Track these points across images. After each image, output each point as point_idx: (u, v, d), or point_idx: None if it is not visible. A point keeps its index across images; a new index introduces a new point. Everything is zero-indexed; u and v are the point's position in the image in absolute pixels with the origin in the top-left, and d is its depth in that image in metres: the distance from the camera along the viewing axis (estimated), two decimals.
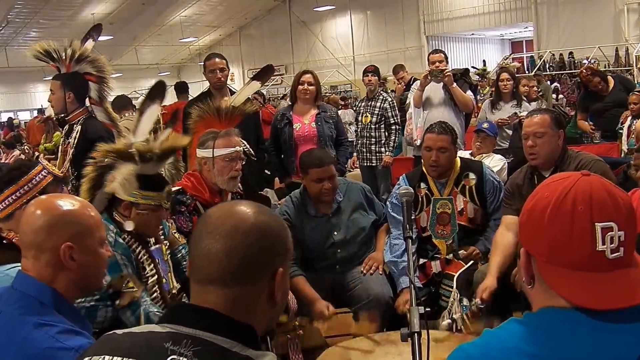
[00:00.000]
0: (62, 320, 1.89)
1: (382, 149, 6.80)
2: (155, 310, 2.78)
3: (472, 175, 4.00)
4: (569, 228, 1.29)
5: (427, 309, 2.04)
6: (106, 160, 2.91)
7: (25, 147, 11.85)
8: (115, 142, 3.19)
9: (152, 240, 3.09)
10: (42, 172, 2.79)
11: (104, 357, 1.39)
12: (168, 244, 3.23)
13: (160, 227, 3.17)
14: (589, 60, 16.57)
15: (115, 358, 1.37)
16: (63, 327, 1.85)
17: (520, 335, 1.31)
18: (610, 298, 1.27)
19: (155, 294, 2.98)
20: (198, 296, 1.43)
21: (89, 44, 4.42)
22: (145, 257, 2.97)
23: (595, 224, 1.28)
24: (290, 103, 5.85)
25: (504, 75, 6.85)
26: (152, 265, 2.99)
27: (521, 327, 1.33)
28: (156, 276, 3.00)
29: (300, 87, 5.57)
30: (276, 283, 1.44)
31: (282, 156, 5.68)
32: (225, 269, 1.39)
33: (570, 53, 17.92)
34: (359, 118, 7.01)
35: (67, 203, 2.02)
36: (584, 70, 7.42)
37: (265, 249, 1.43)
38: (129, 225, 2.90)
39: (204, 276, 1.41)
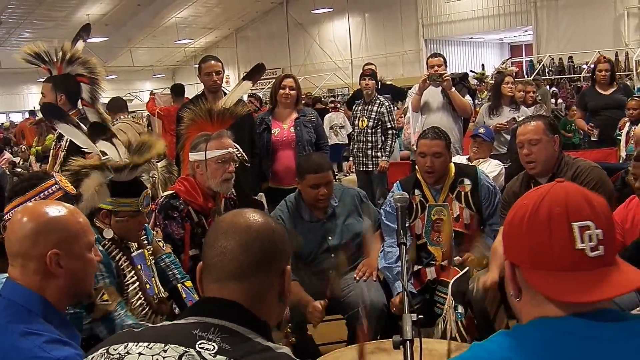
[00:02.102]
0: (50, 329, 1.88)
1: (379, 154, 6.76)
2: (131, 322, 2.71)
3: (467, 181, 3.95)
4: (547, 230, 1.32)
5: (420, 316, 1.99)
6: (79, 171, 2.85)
7: (23, 146, 11.77)
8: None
9: (135, 245, 3.05)
10: (53, 187, 2.68)
11: (126, 344, 1.46)
12: (152, 249, 3.19)
13: (144, 233, 3.13)
14: (588, 65, 16.58)
15: (140, 344, 1.44)
16: (50, 337, 1.84)
17: (510, 347, 1.32)
18: (596, 290, 1.29)
19: (139, 301, 2.92)
20: (217, 293, 1.53)
21: (80, 44, 4.38)
22: (126, 264, 2.92)
23: (572, 223, 1.31)
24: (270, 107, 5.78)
25: (509, 78, 6.79)
26: (132, 272, 2.94)
27: (510, 338, 1.34)
28: (138, 283, 2.94)
29: (281, 91, 5.49)
30: (285, 279, 1.58)
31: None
32: (243, 263, 1.51)
33: (570, 57, 17.94)
34: (356, 122, 6.97)
35: (53, 210, 2.00)
36: (602, 57, 7.44)
37: (277, 245, 1.57)
38: (109, 233, 2.87)
39: (222, 274, 1.52)
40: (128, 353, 1.43)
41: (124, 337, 1.50)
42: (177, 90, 9.48)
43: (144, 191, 2.97)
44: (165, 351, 1.41)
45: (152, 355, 1.41)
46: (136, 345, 1.44)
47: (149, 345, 1.43)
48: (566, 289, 1.29)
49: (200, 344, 1.41)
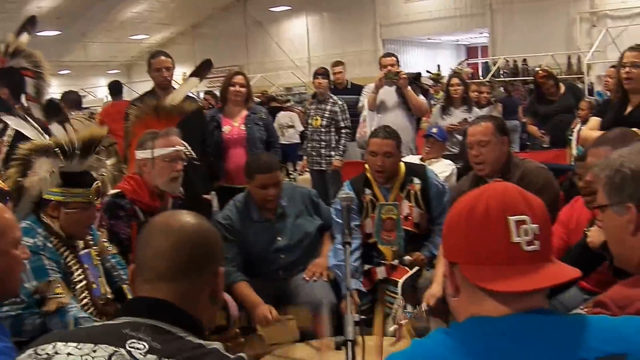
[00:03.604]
0: None
1: (332, 153, 6.75)
2: (86, 315, 2.67)
3: (416, 180, 3.96)
4: (484, 225, 1.34)
5: (362, 317, 1.99)
6: (27, 157, 2.79)
7: None
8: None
9: (81, 244, 2.97)
10: None
11: (54, 344, 1.42)
12: (98, 249, 3.12)
13: (90, 232, 3.07)
14: (541, 67, 16.81)
15: (69, 344, 1.43)
16: None
17: (446, 345, 1.33)
18: (527, 281, 1.31)
19: (85, 300, 2.86)
20: (148, 294, 1.53)
21: (25, 37, 4.26)
22: (73, 261, 2.86)
23: (508, 217, 1.33)
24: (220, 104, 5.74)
25: (454, 80, 6.86)
26: (80, 270, 2.88)
27: (447, 337, 1.35)
28: (85, 281, 2.88)
29: (231, 88, 5.44)
30: (218, 281, 1.60)
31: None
32: (175, 263, 1.52)
33: (524, 60, 18.18)
34: (309, 121, 6.94)
35: None
36: (541, 72, 7.51)
37: (209, 247, 1.59)
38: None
39: (154, 274, 1.53)
40: (56, 353, 1.41)
41: (53, 337, 1.48)
42: (114, 88, 9.20)
43: (95, 182, 2.90)
44: (94, 351, 1.40)
45: (81, 356, 1.40)
46: (65, 345, 1.42)
47: (78, 345, 1.42)
48: (502, 280, 1.31)
49: (130, 343, 1.41)
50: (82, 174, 2.89)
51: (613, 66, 7.16)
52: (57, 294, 2.62)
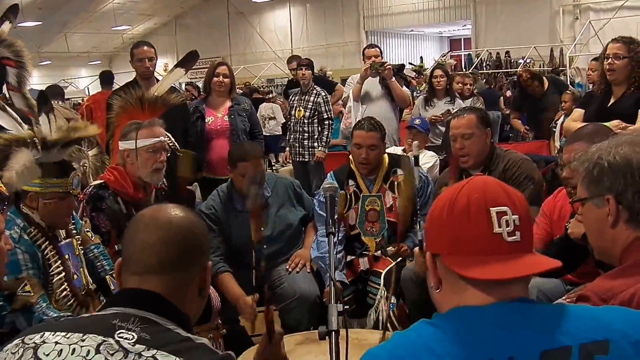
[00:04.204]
0: None
1: (315, 144, 6.74)
2: (54, 315, 2.63)
3: (399, 171, 3.97)
4: (466, 216, 1.36)
5: (346, 307, 1.98)
6: (4, 148, 2.75)
7: None
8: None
9: (63, 234, 2.94)
10: None
11: (42, 334, 1.42)
12: (80, 239, 3.09)
13: (72, 222, 3.04)
14: (524, 59, 16.91)
15: (57, 333, 1.43)
16: None
17: (429, 335, 1.33)
18: (508, 269, 1.33)
19: (64, 292, 2.83)
20: (137, 285, 1.52)
21: (6, 26, 4.19)
22: (52, 253, 2.82)
23: (490, 208, 1.36)
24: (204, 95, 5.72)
25: (438, 71, 6.87)
26: (59, 262, 2.84)
27: (430, 327, 1.36)
28: (64, 273, 2.85)
29: (215, 79, 5.44)
30: (206, 275, 1.61)
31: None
32: (164, 257, 1.52)
33: (507, 52, 18.27)
34: (292, 112, 6.92)
35: None
36: (524, 74, 7.51)
37: (198, 241, 1.59)
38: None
39: (143, 267, 1.52)
40: (44, 342, 1.42)
41: (41, 327, 1.50)
42: (105, 78, 9.15)
43: (72, 172, 2.86)
44: (83, 340, 1.41)
45: (69, 345, 1.40)
46: (53, 335, 1.43)
47: (66, 335, 1.43)
48: (485, 269, 1.33)
49: (119, 333, 1.40)
50: (60, 164, 2.84)
51: (595, 59, 7.21)
52: (26, 292, 2.58)
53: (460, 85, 7.62)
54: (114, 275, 3.19)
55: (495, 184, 1.41)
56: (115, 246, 3.39)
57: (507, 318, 1.31)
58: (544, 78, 7.61)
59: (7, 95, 4.14)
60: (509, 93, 12.13)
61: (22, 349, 1.42)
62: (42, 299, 2.64)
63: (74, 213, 3.13)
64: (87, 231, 3.22)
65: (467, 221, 1.36)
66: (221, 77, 5.42)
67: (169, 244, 1.53)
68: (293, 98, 7.00)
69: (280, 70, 21.89)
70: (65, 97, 9.49)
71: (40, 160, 2.75)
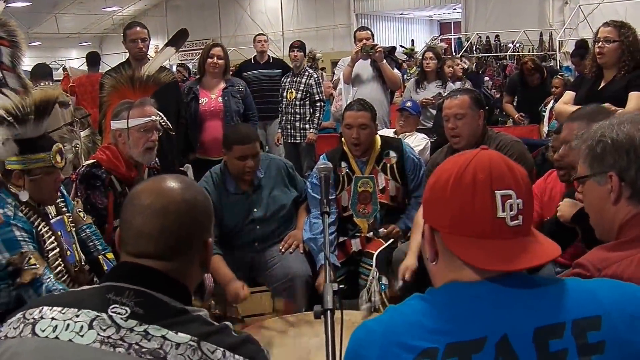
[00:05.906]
0: None
1: (307, 126, 6.74)
2: (60, 287, 2.65)
3: (392, 153, 3.99)
4: (470, 196, 1.34)
5: (341, 286, 1.99)
6: None
7: None
8: None
9: (53, 212, 2.94)
10: None
11: (41, 309, 1.44)
12: (72, 217, 3.09)
13: (63, 200, 3.04)
14: (514, 43, 16.91)
15: (54, 308, 1.43)
16: None
17: (423, 311, 1.34)
18: (515, 260, 1.32)
19: (58, 268, 2.84)
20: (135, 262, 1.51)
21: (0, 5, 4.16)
22: (46, 229, 2.82)
23: (495, 191, 1.33)
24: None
25: (428, 54, 6.87)
26: (52, 238, 2.84)
27: (423, 302, 1.36)
28: (58, 249, 2.85)
29: (209, 60, 5.46)
30: (207, 251, 1.57)
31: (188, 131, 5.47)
32: (161, 246, 1.48)
33: (497, 36, 18.23)
34: (284, 94, 6.92)
35: None
36: (529, 62, 7.50)
37: (196, 223, 1.54)
38: (24, 195, 2.73)
39: (140, 252, 1.49)
40: (42, 318, 1.43)
41: (42, 301, 1.50)
42: (92, 59, 9.06)
43: (55, 145, 2.83)
44: (77, 316, 1.41)
45: (64, 320, 1.41)
46: (50, 310, 1.44)
47: (62, 310, 1.43)
48: (487, 258, 1.32)
49: (112, 308, 1.41)
50: (40, 138, 2.80)
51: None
52: (32, 265, 2.59)
53: (451, 68, 7.62)
54: (106, 255, 3.21)
55: (502, 161, 1.38)
56: (114, 222, 3.40)
57: (501, 295, 1.31)
58: (545, 70, 7.64)
59: (1, 75, 4.11)
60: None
61: (22, 324, 1.43)
62: (48, 270, 2.65)
63: (65, 193, 3.13)
64: (79, 211, 3.21)
65: (470, 202, 1.33)
66: (215, 58, 5.44)
67: (166, 233, 1.49)
68: (285, 80, 7.00)
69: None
70: (56, 78, 9.37)
71: (20, 137, 2.71)
